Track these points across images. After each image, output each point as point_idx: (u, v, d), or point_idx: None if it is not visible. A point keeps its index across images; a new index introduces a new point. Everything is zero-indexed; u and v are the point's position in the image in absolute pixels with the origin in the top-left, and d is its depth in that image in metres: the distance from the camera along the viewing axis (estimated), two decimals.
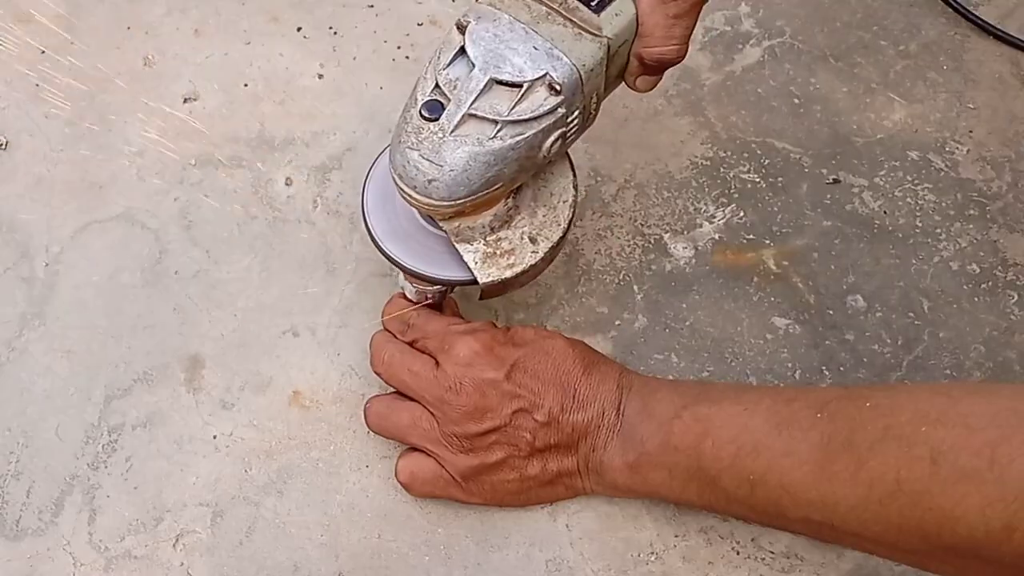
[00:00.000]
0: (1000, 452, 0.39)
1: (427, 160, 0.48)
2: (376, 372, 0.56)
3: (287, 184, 0.68)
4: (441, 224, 0.53)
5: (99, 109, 0.71)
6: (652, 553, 0.56)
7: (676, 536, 0.56)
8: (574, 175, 0.57)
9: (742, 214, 0.67)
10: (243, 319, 0.63)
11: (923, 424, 0.42)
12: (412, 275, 0.56)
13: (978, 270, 0.65)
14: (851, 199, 0.68)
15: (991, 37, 0.74)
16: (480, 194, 0.50)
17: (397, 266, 0.56)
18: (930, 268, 0.65)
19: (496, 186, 0.50)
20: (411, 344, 0.56)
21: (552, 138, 0.50)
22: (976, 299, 0.64)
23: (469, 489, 0.54)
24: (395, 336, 0.57)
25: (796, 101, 0.72)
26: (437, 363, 0.53)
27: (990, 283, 0.65)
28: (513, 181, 0.51)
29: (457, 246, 0.54)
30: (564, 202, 0.56)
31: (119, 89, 0.72)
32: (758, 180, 0.68)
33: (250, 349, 0.62)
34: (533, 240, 0.55)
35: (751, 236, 0.66)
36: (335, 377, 0.61)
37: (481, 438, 0.52)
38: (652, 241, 0.66)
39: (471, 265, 0.54)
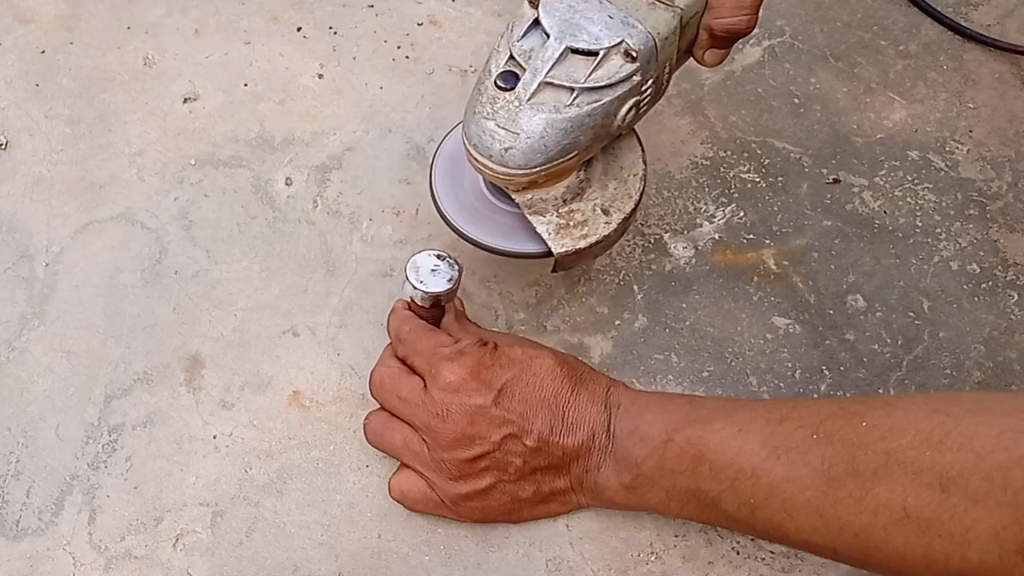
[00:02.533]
0: (1012, 476, 0.39)
1: (503, 129, 0.49)
2: (373, 397, 0.56)
3: (287, 184, 0.68)
4: (514, 196, 0.54)
5: (99, 109, 0.71)
6: (652, 553, 0.56)
7: (676, 536, 0.56)
8: (643, 149, 0.57)
9: (742, 214, 0.67)
10: (243, 319, 0.63)
11: (927, 448, 0.41)
12: (486, 250, 0.56)
13: (978, 270, 0.65)
14: (851, 199, 0.68)
15: (989, 37, 0.74)
16: (556, 162, 0.50)
17: (471, 243, 0.56)
18: (930, 268, 0.65)
19: (571, 154, 0.50)
20: (403, 360, 0.55)
21: (627, 106, 0.50)
22: (976, 299, 0.64)
23: (459, 512, 0.54)
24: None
25: (796, 101, 0.72)
26: (426, 386, 0.53)
27: (990, 283, 0.65)
28: (588, 150, 0.52)
29: (530, 218, 0.54)
30: (634, 175, 0.56)
31: (119, 89, 0.72)
32: (758, 180, 0.68)
33: (250, 349, 0.62)
34: (606, 211, 0.55)
35: (751, 236, 0.66)
36: (335, 377, 0.61)
37: (470, 464, 0.52)
38: (652, 241, 0.66)
39: (545, 236, 0.54)
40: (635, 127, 0.57)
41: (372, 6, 0.76)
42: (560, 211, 0.54)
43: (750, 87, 0.72)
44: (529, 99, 0.49)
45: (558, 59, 0.48)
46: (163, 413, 0.60)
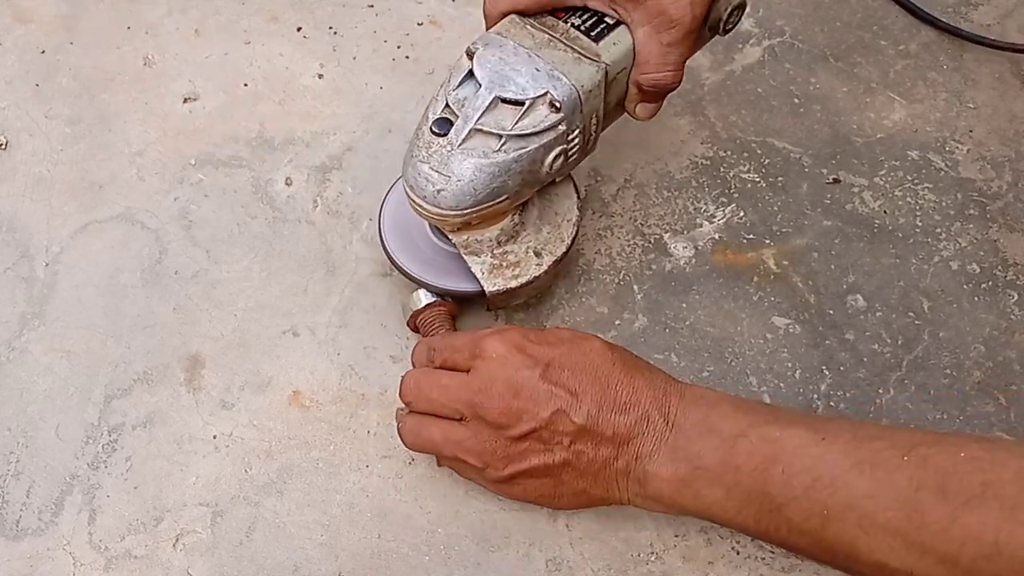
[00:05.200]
0: None
1: (436, 172, 0.52)
2: (406, 403, 0.54)
3: (287, 184, 0.68)
4: (451, 237, 0.57)
5: (99, 109, 0.71)
6: (652, 553, 0.56)
7: (676, 536, 0.56)
8: (578, 196, 0.60)
9: (742, 214, 0.67)
10: (243, 319, 0.63)
11: None
12: (424, 287, 0.59)
13: (978, 270, 0.65)
14: (851, 199, 0.68)
15: (989, 37, 0.74)
16: (485, 205, 0.53)
17: (412, 279, 0.59)
18: (930, 268, 0.65)
19: (501, 198, 0.53)
20: (442, 366, 0.54)
21: (553, 154, 0.53)
22: (976, 299, 0.64)
23: (501, 492, 0.53)
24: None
25: (796, 101, 0.72)
26: (469, 372, 0.51)
27: (990, 283, 0.64)
28: (517, 195, 0.54)
29: (466, 258, 0.57)
30: (568, 221, 0.59)
31: (119, 89, 0.72)
32: (758, 180, 0.68)
33: (250, 349, 0.62)
34: (538, 254, 0.58)
35: (751, 236, 0.66)
36: (335, 377, 0.61)
37: (515, 443, 0.50)
38: (652, 241, 0.66)
39: (478, 275, 0.57)
40: (572, 175, 0.60)
41: (372, 6, 0.76)
42: (494, 252, 0.57)
43: (750, 87, 0.72)
44: (460, 144, 0.52)
45: (487, 107, 0.51)
46: (163, 413, 0.60)
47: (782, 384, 0.61)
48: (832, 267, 0.65)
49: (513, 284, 0.57)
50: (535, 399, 0.49)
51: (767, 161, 0.69)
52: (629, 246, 0.66)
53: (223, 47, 0.74)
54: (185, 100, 0.71)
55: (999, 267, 0.65)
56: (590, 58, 0.53)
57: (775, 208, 0.67)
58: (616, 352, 0.51)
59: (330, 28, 0.75)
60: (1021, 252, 0.66)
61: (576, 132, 0.53)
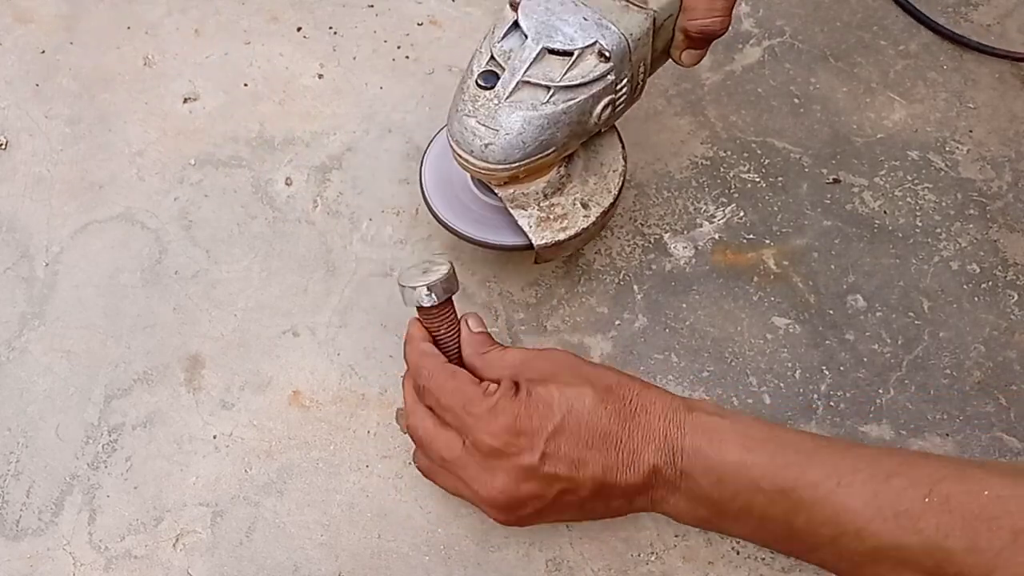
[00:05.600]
0: None
1: (483, 126, 0.51)
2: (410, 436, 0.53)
3: (287, 184, 0.68)
4: (496, 191, 0.56)
5: (99, 109, 0.71)
6: (652, 553, 0.56)
7: (676, 536, 0.56)
8: (623, 147, 0.59)
9: (742, 214, 0.67)
10: (243, 319, 0.63)
11: None
12: (472, 243, 0.58)
13: (978, 270, 0.65)
14: (851, 199, 0.68)
15: (989, 37, 0.74)
16: (534, 158, 0.52)
17: (457, 235, 0.58)
18: (930, 268, 0.65)
19: (549, 150, 0.52)
20: (431, 409, 0.51)
21: (602, 104, 0.52)
22: (976, 299, 0.64)
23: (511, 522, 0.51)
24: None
25: (796, 101, 0.72)
26: (464, 443, 0.49)
27: (990, 283, 0.64)
28: (565, 147, 0.54)
29: (512, 212, 0.56)
30: (614, 171, 0.58)
31: (119, 89, 0.72)
32: (758, 180, 0.68)
33: (250, 349, 0.62)
34: (585, 205, 0.57)
35: (751, 236, 0.66)
36: (335, 377, 0.61)
37: (526, 519, 0.49)
38: (652, 241, 0.66)
39: (526, 229, 0.56)
40: (616, 125, 0.59)
41: (372, 6, 0.76)
42: (541, 205, 0.56)
43: (750, 87, 0.72)
44: (508, 97, 0.51)
45: (535, 59, 0.50)
46: (163, 413, 0.60)
47: (782, 384, 0.61)
48: (832, 267, 0.65)
49: (561, 236, 0.56)
50: (538, 485, 0.48)
51: (767, 161, 0.69)
52: (629, 246, 0.66)
53: (223, 47, 0.74)
54: (185, 100, 0.71)
55: (999, 267, 0.65)
56: (638, 5, 0.52)
57: (775, 208, 0.67)
58: (610, 404, 0.48)
59: (330, 28, 0.75)
60: (1021, 252, 0.66)
61: (624, 81, 0.53)
